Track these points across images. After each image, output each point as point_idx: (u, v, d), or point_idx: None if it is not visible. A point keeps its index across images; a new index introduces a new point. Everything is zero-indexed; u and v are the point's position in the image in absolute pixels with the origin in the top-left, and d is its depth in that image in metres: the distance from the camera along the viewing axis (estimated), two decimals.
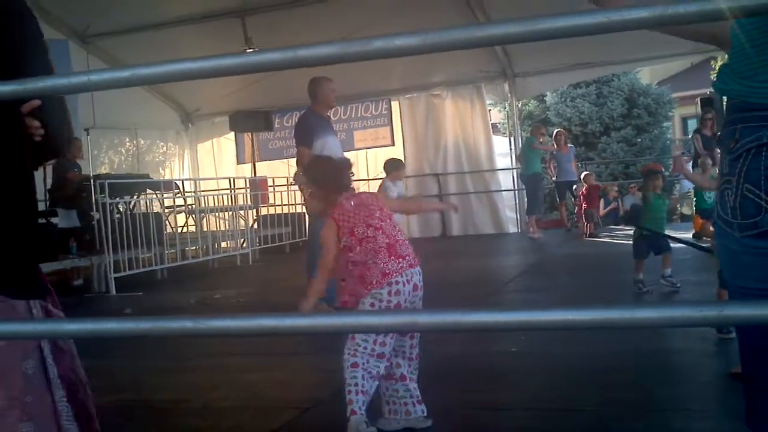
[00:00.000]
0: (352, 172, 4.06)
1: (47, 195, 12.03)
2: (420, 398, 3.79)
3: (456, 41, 1.12)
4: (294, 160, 8.78)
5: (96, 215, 10.65)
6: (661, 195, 7.17)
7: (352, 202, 3.83)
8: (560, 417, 4.00)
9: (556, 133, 14.91)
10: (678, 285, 6.95)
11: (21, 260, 2.15)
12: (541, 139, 14.39)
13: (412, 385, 3.79)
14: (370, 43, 1.13)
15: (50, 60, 2.19)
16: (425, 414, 3.78)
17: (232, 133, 17.19)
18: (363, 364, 3.60)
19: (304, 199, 7.42)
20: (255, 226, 14.83)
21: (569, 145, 14.72)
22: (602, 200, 15.28)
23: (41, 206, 11.92)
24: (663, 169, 8.14)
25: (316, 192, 3.93)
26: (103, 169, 15.13)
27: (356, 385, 3.57)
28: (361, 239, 3.72)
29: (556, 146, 14.51)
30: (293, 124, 9.43)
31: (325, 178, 3.91)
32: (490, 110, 17.94)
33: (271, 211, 15.34)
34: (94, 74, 1.33)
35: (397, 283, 3.67)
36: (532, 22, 1.07)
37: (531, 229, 13.82)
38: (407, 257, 3.75)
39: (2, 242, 2.08)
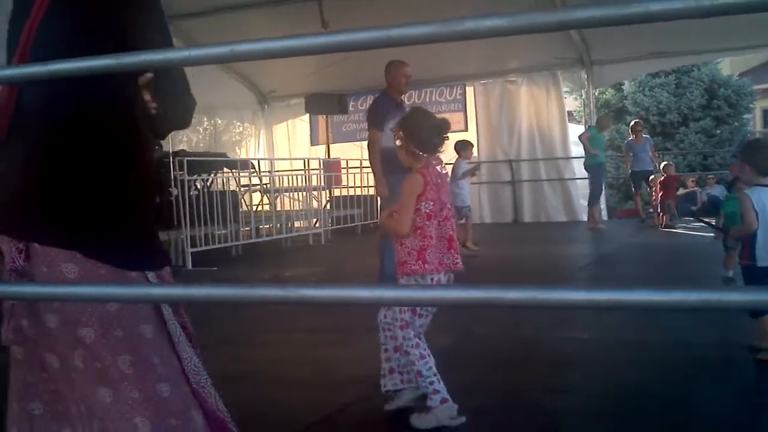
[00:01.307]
0: (446, 137, 3.82)
1: None
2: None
3: (545, 24, 1.15)
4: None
5: (174, 191, 10.87)
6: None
7: (437, 173, 3.72)
8: (629, 403, 4.00)
9: (633, 123, 14.69)
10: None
11: (133, 233, 2.22)
12: (604, 132, 14.16)
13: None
14: (461, 23, 1.17)
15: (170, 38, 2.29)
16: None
17: (307, 115, 17.34)
18: (424, 351, 3.62)
19: (375, 182, 7.50)
20: (328, 206, 14.98)
21: (645, 135, 14.48)
22: (679, 191, 15.04)
23: None
24: None
25: (406, 143, 3.75)
26: (182, 147, 15.42)
27: (435, 374, 3.58)
28: (437, 214, 3.65)
29: (633, 136, 14.26)
30: (367, 107, 9.51)
31: (420, 131, 3.74)
32: (566, 98, 17.76)
33: (344, 192, 15.48)
34: (194, 50, 1.40)
35: (439, 280, 3.67)
36: (624, 6, 1.08)
37: (591, 220, 13.63)
38: (459, 257, 3.71)
39: (115, 216, 2.16)
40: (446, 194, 3.75)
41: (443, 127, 3.80)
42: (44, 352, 2.15)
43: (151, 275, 2.19)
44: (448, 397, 3.54)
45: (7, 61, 2.15)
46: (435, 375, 3.56)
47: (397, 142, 3.82)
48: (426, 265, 3.60)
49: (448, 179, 3.82)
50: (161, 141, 11.96)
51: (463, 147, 11.39)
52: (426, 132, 3.75)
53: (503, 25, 1.15)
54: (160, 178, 11.23)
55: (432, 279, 3.63)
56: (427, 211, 3.62)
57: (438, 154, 3.83)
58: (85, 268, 2.08)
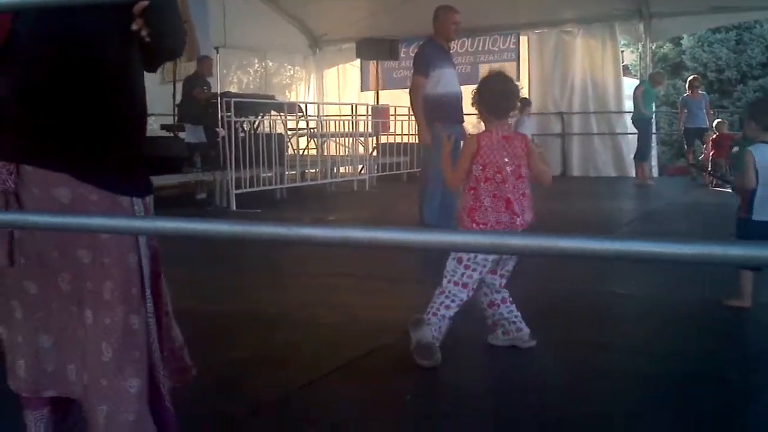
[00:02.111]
0: (517, 103, 4.03)
1: (176, 110, 12.39)
2: (518, 317, 4.00)
3: None
4: None
5: (221, 132, 10.91)
6: None
7: (500, 137, 3.83)
8: (663, 362, 3.96)
9: (691, 78, 14.36)
10: None
11: (128, 157, 2.25)
12: (658, 88, 13.89)
13: (514, 307, 3.99)
14: None
15: None
16: (531, 335, 3.99)
17: (358, 61, 17.24)
18: (449, 291, 3.81)
19: (418, 129, 7.45)
20: (374, 153, 14.94)
21: (701, 92, 14.16)
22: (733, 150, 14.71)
23: (170, 120, 12.29)
24: None
25: (477, 105, 3.93)
26: (232, 88, 15.44)
27: (432, 307, 3.82)
28: (488, 179, 3.77)
29: (689, 91, 13.97)
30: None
31: (488, 95, 3.90)
32: (622, 51, 17.42)
33: (391, 140, 15.42)
34: None
35: None
36: None
37: (640, 176, 13.45)
38: (520, 216, 3.78)
39: (109, 141, 2.18)
40: (513, 157, 3.81)
41: (513, 93, 3.95)
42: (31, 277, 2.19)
43: (137, 203, 2.22)
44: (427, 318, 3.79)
45: None
46: (431, 307, 3.82)
47: (471, 102, 4.01)
48: (474, 225, 3.78)
49: (520, 142, 3.87)
50: (208, 81, 12.01)
51: (524, 104, 11.65)
52: (495, 96, 3.88)
53: None
54: (207, 119, 11.30)
55: None
56: (477, 174, 3.79)
57: (507, 118, 3.98)
58: (77, 192, 2.11)
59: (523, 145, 3.87)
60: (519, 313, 3.98)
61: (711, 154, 13.21)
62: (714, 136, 13.28)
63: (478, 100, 3.92)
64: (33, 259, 2.18)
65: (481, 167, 3.78)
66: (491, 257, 3.77)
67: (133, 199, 2.21)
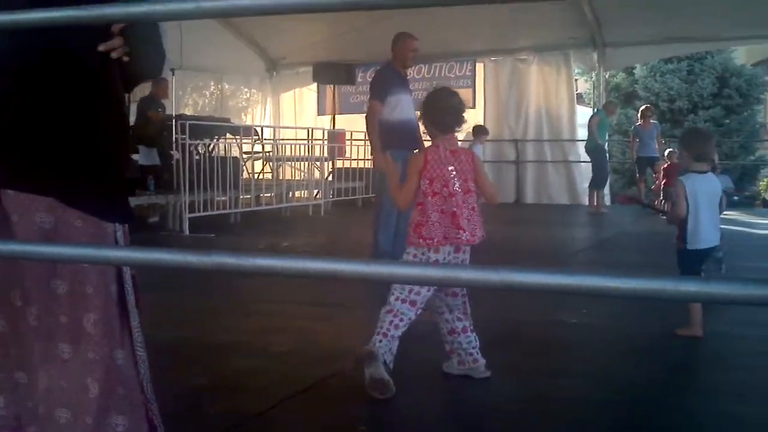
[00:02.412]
0: (463, 118, 3.96)
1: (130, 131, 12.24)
2: (476, 348, 3.96)
3: None
4: None
5: (176, 155, 10.81)
6: None
7: (448, 152, 3.82)
8: (616, 389, 3.98)
9: (643, 108, 14.56)
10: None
11: (113, 181, 2.16)
12: (611, 117, 14.11)
13: (473, 336, 3.95)
14: None
15: None
16: (486, 366, 3.96)
17: (315, 85, 17.24)
18: (396, 310, 3.75)
19: (372, 154, 7.45)
20: (330, 178, 14.92)
21: (653, 121, 14.37)
22: None
23: None
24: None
25: (423, 119, 3.95)
26: (187, 111, 15.35)
27: (381, 327, 3.74)
28: (435, 193, 3.76)
29: (641, 121, 14.17)
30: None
31: (434, 110, 3.91)
32: (576, 80, 17.64)
33: (347, 164, 15.41)
34: (159, 5, 1.34)
35: (443, 252, 3.79)
36: None
37: (593, 204, 13.59)
38: (466, 231, 3.77)
39: (97, 164, 2.08)
40: (460, 172, 3.81)
41: (459, 108, 3.94)
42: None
43: (118, 229, 2.13)
44: (373, 343, 3.71)
45: None
46: (382, 328, 3.74)
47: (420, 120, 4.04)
48: (421, 240, 3.75)
49: (467, 157, 3.89)
50: (163, 103, 11.92)
51: (482, 132, 12.84)
52: (440, 111, 3.90)
53: None
54: (161, 141, 11.19)
55: (429, 254, 3.77)
56: (424, 188, 3.78)
57: (453, 133, 3.96)
58: (61, 219, 2.00)
59: (469, 160, 3.88)
60: (477, 344, 3.96)
61: (662, 182, 13.38)
62: (665, 165, 13.46)
63: (424, 115, 3.94)
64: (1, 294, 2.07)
65: (428, 181, 3.77)
66: None
67: (115, 226, 2.13)
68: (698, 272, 4.94)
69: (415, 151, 7.40)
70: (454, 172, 3.78)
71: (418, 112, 4.03)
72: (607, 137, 14.10)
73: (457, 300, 3.92)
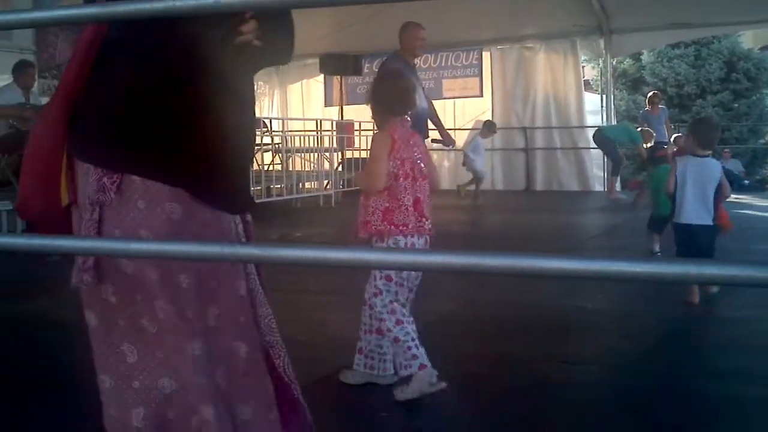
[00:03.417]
0: (413, 99, 3.68)
1: None
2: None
3: None
4: None
5: None
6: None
7: (408, 133, 3.62)
8: (632, 375, 4.00)
9: (651, 94, 14.53)
10: None
11: (242, 173, 2.15)
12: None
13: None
14: None
15: None
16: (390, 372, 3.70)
17: (322, 76, 17.25)
18: (403, 317, 3.49)
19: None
20: (339, 168, 14.93)
21: (661, 106, 14.34)
22: None
23: None
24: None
25: (374, 104, 3.69)
26: None
27: (413, 339, 3.43)
28: (407, 175, 3.53)
29: (649, 107, 14.16)
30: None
31: (386, 94, 3.69)
32: (583, 66, 17.60)
33: (356, 155, 15.42)
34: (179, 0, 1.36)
35: (413, 244, 3.54)
36: None
37: (613, 191, 13.60)
38: (428, 220, 3.58)
39: (227, 152, 2.02)
40: (420, 155, 3.61)
41: (411, 89, 3.71)
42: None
43: (239, 222, 2.10)
44: (427, 362, 3.40)
45: None
46: (413, 340, 3.43)
47: (370, 108, 3.75)
48: (392, 227, 3.51)
49: (419, 140, 3.71)
50: None
51: (491, 129, 13.25)
52: (395, 93, 3.68)
53: None
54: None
55: (405, 242, 3.52)
56: (395, 170, 3.51)
57: (406, 116, 3.68)
58: (189, 210, 1.92)
59: (421, 143, 3.73)
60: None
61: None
62: (674, 151, 13.43)
63: (375, 100, 3.69)
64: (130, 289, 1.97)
65: (399, 162, 3.52)
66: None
67: (236, 217, 2.08)
68: (686, 248, 5.34)
69: (425, 140, 7.45)
70: (417, 155, 3.59)
71: (367, 96, 3.77)
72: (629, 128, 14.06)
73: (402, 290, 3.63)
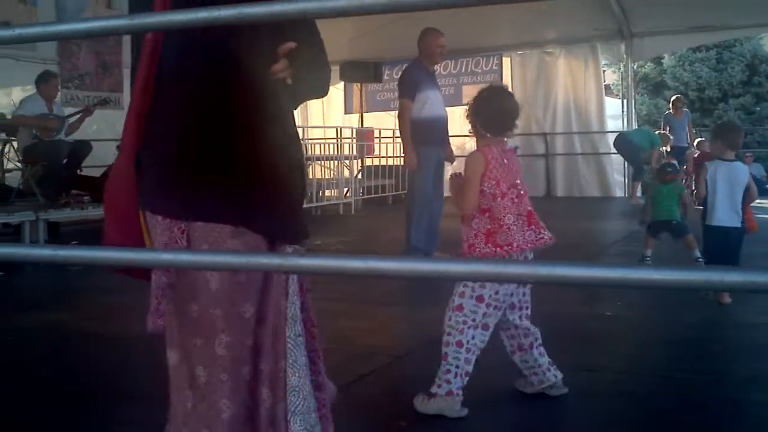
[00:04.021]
0: (516, 124, 3.63)
1: None
2: (550, 362, 3.67)
3: None
4: None
5: None
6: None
7: (503, 151, 3.54)
8: (652, 383, 3.97)
9: (675, 98, 14.47)
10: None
11: (296, 203, 2.19)
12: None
13: (537, 353, 3.65)
14: None
15: None
16: (557, 378, 3.66)
17: (342, 83, 17.29)
18: (468, 341, 3.43)
19: (404, 152, 7.43)
20: (359, 176, 14.95)
21: (684, 110, 14.28)
22: None
23: None
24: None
25: (473, 119, 3.62)
26: None
27: (458, 366, 3.41)
28: (504, 194, 3.46)
29: (672, 110, 14.10)
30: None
31: (488, 111, 3.60)
32: (604, 71, 17.55)
33: (376, 162, 15.44)
34: (201, 12, 1.37)
35: (525, 255, 3.48)
36: None
37: (634, 196, 13.55)
38: (545, 230, 3.52)
39: (280, 184, 2.08)
40: (517, 172, 3.56)
41: (514, 111, 3.65)
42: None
43: (296, 249, 2.13)
44: (458, 392, 3.40)
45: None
46: (458, 368, 3.40)
47: (466, 117, 3.69)
48: (497, 249, 3.43)
49: (516, 158, 3.64)
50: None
51: None
52: (494, 112, 3.61)
53: None
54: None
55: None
56: (492, 191, 3.45)
57: (504, 137, 3.63)
58: (250, 246, 2.00)
59: (518, 161, 3.64)
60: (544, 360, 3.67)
61: (693, 171, 13.29)
62: (696, 155, 13.36)
63: (475, 113, 3.61)
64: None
65: (494, 182, 3.45)
66: (510, 289, 3.50)
67: (292, 247, 2.12)
68: (716, 249, 5.64)
69: (446, 147, 7.45)
70: (515, 172, 3.53)
71: (468, 109, 3.66)
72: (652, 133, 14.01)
73: (513, 313, 3.62)
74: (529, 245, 3.46)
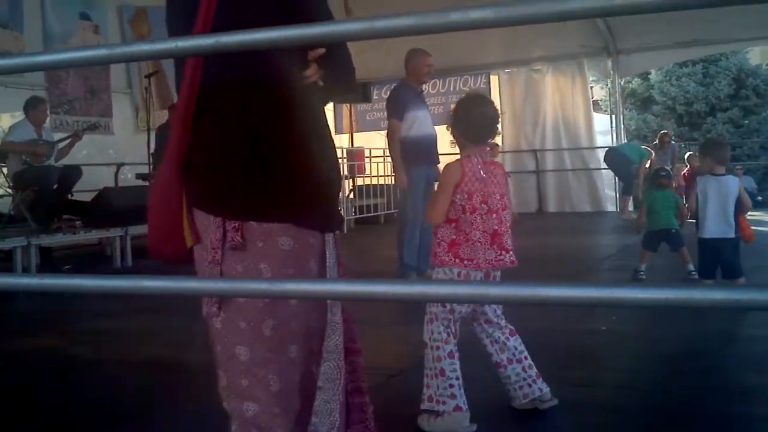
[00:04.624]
0: (497, 128, 3.68)
1: (150, 159, 12.37)
2: (536, 376, 3.65)
3: (534, 15, 1.12)
4: None
5: None
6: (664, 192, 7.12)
7: (481, 164, 3.50)
8: (649, 397, 3.97)
9: (661, 134, 14.53)
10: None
11: (333, 196, 2.31)
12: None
13: (519, 367, 3.63)
14: (447, 15, 1.14)
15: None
16: (542, 392, 3.64)
17: (331, 103, 17.32)
18: (454, 349, 3.47)
19: (394, 172, 7.45)
20: (351, 195, 14.96)
21: (672, 143, 14.37)
22: None
23: (145, 170, 12.30)
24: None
25: (453, 128, 3.62)
26: None
27: (458, 378, 3.42)
28: (475, 209, 3.44)
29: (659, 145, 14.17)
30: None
31: (467, 119, 3.58)
32: (591, 87, 17.65)
33: (367, 181, 15.46)
34: (181, 41, 1.38)
35: (467, 275, 3.46)
36: None
37: (625, 210, 13.61)
38: (509, 253, 3.49)
39: (319, 183, 2.20)
40: (497, 186, 3.52)
41: (493, 118, 3.65)
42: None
43: (331, 238, 2.25)
44: (464, 405, 3.39)
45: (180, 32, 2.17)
46: (458, 379, 3.41)
47: (447, 127, 3.71)
48: (457, 260, 3.44)
49: (499, 169, 3.63)
50: None
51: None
52: (473, 120, 3.58)
53: (488, 17, 1.12)
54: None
55: (460, 275, 3.44)
56: (462, 203, 3.44)
57: (485, 145, 3.64)
58: (298, 239, 2.12)
59: (501, 173, 3.62)
60: (529, 373, 3.65)
61: (684, 185, 13.34)
62: (686, 170, 13.41)
63: (455, 124, 3.61)
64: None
65: (466, 196, 3.43)
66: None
67: (333, 235, 2.25)
68: (710, 261, 6.03)
69: (436, 166, 7.47)
70: (492, 186, 3.49)
71: (449, 119, 3.67)
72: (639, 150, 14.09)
73: (492, 327, 3.64)
74: (488, 265, 3.45)
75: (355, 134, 16.73)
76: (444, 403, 3.40)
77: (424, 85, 7.69)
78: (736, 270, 5.94)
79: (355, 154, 15.52)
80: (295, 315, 2.13)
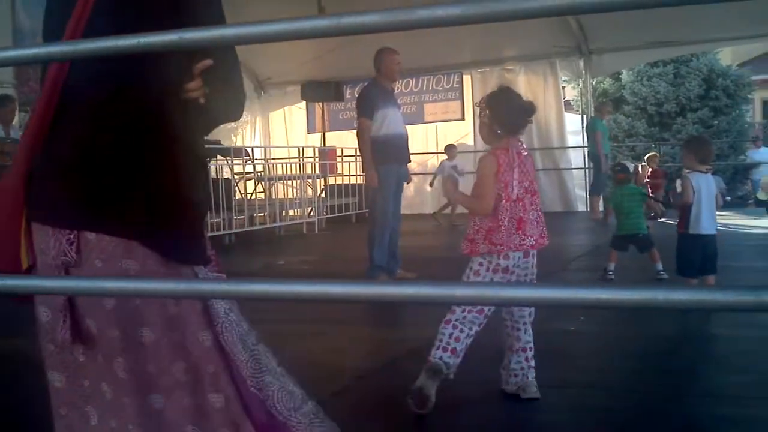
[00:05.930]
0: (530, 120, 3.79)
1: None
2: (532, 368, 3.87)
3: (500, 13, 1.11)
4: None
5: None
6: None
7: (515, 154, 3.68)
8: (616, 397, 3.98)
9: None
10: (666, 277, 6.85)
11: (196, 222, 2.08)
12: (606, 118, 14.14)
13: (522, 357, 3.87)
14: (414, 12, 1.13)
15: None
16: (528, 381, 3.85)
17: (304, 103, 17.28)
18: (457, 319, 3.69)
19: (364, 171, 7.44)
20: (322, 195, 14.94)
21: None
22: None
23: None
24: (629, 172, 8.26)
25: (489, 121, 3.73)
26: None
27: (441, 340, 3.68)
28: (509, 197, 3.63)
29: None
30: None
31: (505, 110, 3.72)
32: (564, 87, 17.71)
33: (339, 181, 15.44)
34: (143, 37, 1.35)
35: (511, 258, 3.67)
36: None
37: (594, 210, 13.66)
38: (531, 237, 3.67)
39: (180, 201, 1.98)
40: (526, 174, 3.70)
41: (529, 110, 3.79)
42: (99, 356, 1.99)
43: (200, 272, 2.02)
44: (432, 356, 3.67)
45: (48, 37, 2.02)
46: (439, 341, 3.70)
47: (480, 119, 3.83)
48: (493, 247, 3.63)
49: (529, 158, 3.81)
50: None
51: (450, 150, 13.45)
52: (511, 112, 3.74)
53: (455, 14, 1.11)
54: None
55: (498, 260, 3.66)
56: (499, 192, 3.63)
57: (519, 135, 3.80)
58: (144, 264, 1.90)
59: (531, 161, 3.81)
60: (528, 364, 3.87)
61: (651, 182, 13.44)
62: (650, 172, 13.50)
63: (492, 115, 3.73)
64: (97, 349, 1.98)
65: (503, 185, 3.62)
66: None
67: (195, 269, 2.01)
68: (699, 257, 5.96)
69: (406, 166, 7.46)
70: (524, 175, 3.68)
71: (480, 112, 3.81)
72: (609, 143, 14.14)
73: (523, 313, 3.86)
74: (513, 248, 3.63)
75: (327, 133, 16.68)
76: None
77: (397, 84, 7.68)
78: (715, 265, 6.02)
79: (327, 154, 15.49)
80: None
